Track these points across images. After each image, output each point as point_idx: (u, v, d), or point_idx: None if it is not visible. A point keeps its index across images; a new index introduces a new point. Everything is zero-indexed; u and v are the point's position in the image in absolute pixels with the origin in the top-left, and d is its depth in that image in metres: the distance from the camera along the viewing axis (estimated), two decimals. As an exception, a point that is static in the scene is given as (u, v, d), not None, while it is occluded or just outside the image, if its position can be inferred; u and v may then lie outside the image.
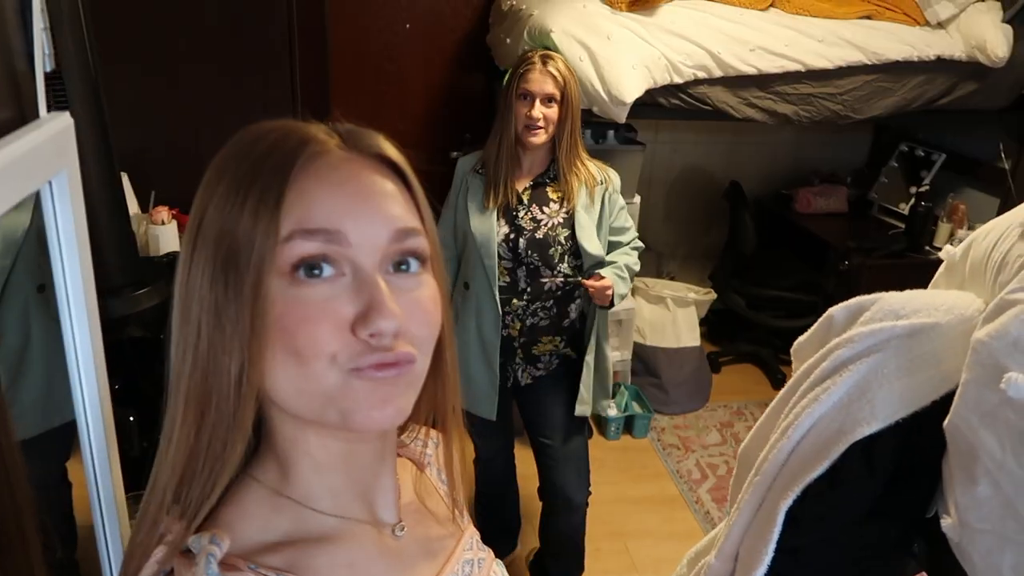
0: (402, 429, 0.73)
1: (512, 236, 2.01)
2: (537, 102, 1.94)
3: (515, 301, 2.04)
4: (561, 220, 2.01)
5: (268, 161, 0.53)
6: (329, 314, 0.52)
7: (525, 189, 2.03)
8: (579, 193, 2.01)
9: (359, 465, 0.61)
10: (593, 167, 2.06)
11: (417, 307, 0.56)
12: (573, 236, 2.02)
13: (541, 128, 1.95)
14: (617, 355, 3.43)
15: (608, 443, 3.33)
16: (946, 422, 0.86)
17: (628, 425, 3.39)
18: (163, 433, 0.56)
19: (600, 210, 2.05)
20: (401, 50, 3.56)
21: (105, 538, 1.03)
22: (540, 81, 1.94)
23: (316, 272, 0.52)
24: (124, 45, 2.39)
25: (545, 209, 2.02)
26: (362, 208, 0.54)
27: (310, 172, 0.54)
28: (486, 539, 0.75)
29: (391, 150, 0.59)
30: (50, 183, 0.71)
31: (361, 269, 0.53)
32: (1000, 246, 0.93)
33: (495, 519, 2.56)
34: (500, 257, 2.01)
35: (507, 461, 2.47)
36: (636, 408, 3.40)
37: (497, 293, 2.01)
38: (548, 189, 2.03)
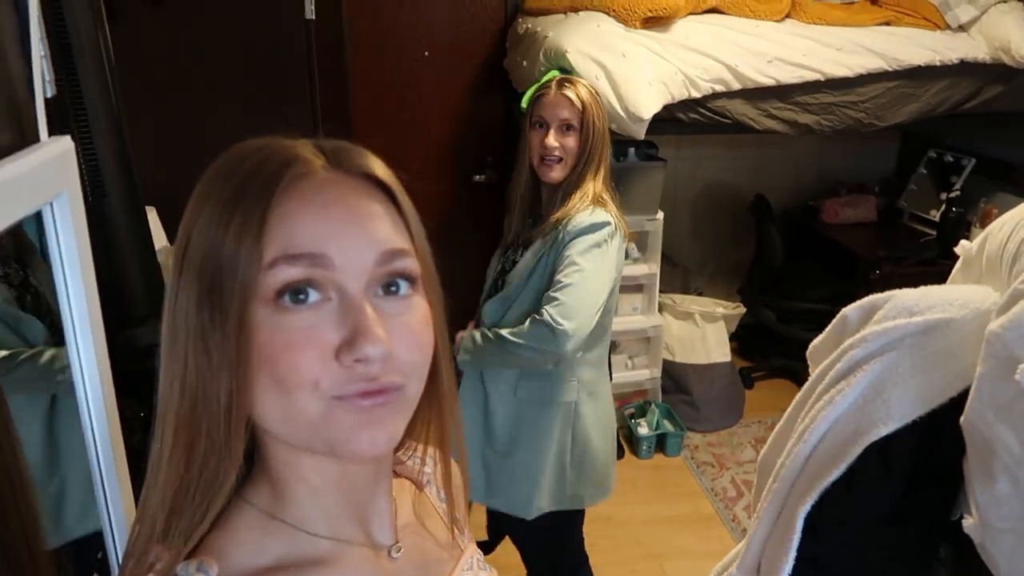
0: (399, 447, 0.72)
1: (500, 282, 1.80)
2: (552, 130, 1.70)
3: None
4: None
5: (252, 183, 0.52)
6: (313, 341, 0.51)
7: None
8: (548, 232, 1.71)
9: (354, 487, 0.61)
10: (598, 211, 1.71)
11: (407, 331, 0.54)
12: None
13: (557, 160, 1.70)
14: (647, 372, 3.40)
15: (640, 462, 3.29)
16: (962, 418, 0.84)
17: (660, 443, 3.35)
18: (150, 463, 0.55)
19: (548, 252, 1.72)
20: (420, 77, 3.61)
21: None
22: (553, 106, 1.71)
23: (302, 297, 0.51)
24: (150, 77, 2.46)
25: (526, 253, 1.76)
26: (348, 231, 0.53)
27: (294, 194, 0.53)
28: None
29: (379, 169, 0.58)
30: (51, 204, 0.74)
31: (347, 293, 0.52)
32: (1015, 236, 0.91)
33: None
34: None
35: None
36: (668, 426, 3.36)
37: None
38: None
